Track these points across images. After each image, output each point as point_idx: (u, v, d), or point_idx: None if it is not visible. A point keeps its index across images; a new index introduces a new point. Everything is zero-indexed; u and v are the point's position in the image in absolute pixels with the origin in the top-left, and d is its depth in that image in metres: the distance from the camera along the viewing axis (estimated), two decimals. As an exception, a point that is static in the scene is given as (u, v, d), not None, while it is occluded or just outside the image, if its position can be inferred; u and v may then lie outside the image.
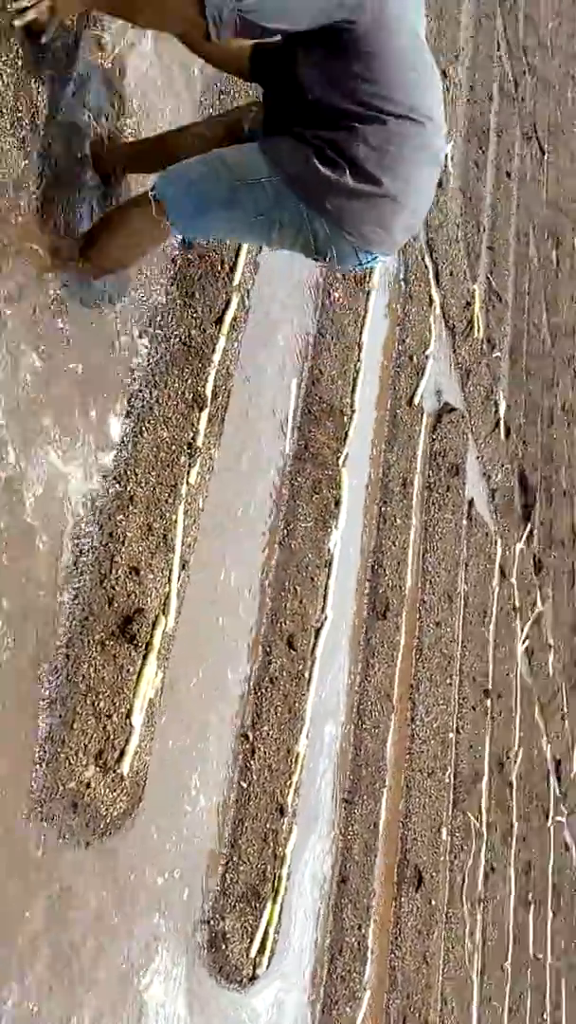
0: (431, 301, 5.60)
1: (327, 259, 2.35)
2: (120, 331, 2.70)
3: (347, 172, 2.16)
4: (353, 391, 4.25)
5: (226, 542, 3.31)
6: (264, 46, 2.34)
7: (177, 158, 2.36)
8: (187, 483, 2.91)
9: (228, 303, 3.21)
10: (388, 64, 2.13)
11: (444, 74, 6.32)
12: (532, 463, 8.88)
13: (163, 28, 2.39)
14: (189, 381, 2.93)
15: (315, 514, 3.85)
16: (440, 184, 5.77)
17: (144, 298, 2.83)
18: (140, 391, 2.77)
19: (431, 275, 5.70)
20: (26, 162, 2.24)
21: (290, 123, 2.22)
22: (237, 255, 3.30)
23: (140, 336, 2.80)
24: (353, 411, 4.23)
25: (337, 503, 4.02)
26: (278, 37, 2.16)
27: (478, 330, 6.64)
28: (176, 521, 2.86)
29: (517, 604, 7.66)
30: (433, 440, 5.69)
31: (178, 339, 2.92)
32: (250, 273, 3.43)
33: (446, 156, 6.14)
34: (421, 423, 5.34)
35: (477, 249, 7.08)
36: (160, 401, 2.82)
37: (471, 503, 6.38)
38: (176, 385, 2.90)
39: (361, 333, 4.39)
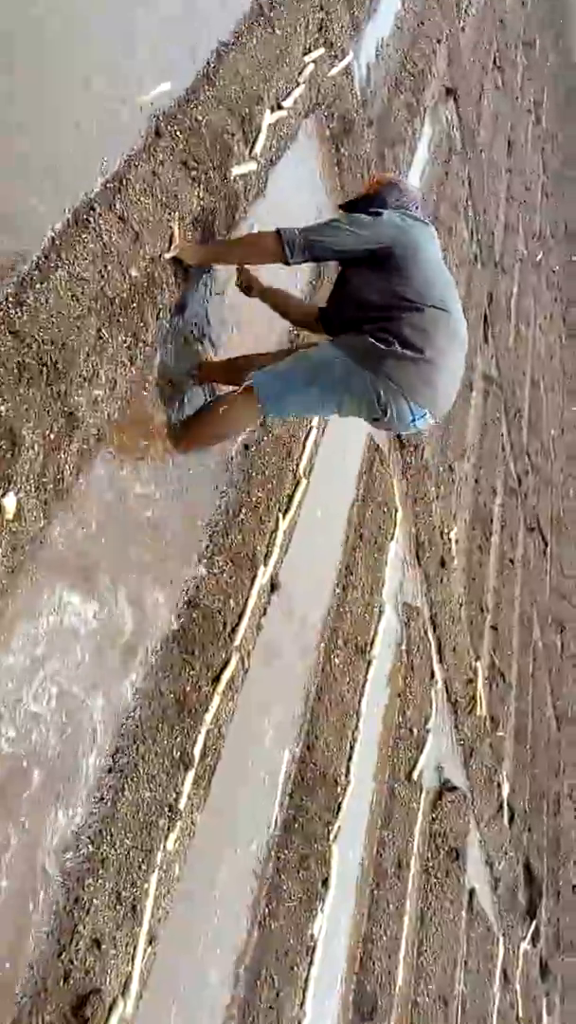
0: (433, 675, 5.62)
1: (387, 416, 2.97)
2: (111, 685, 2.69)
3: (397, 345, 2.89)
4: (349, 760, 4.14)
5: (200, 918, 3.06)
6: (326, 311, 3.24)
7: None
8: (164, 849, 2.75)
9: (227, 662, 3.22)
10: (417, 274, 2.98)
11: (451, 468, 6.82)
12: (538, 853, 8.44)
13: (254, 262, 3.24)
14: (178, 739, 2.87)
15: (300, 893, 3.60)
16: (443, 563, 6.01)
17: (145, 656, 2.86)
18: (127, 746, 2.70)
19: (433, 649, 5.77)
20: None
21: (348, 328, 3.03)
22: (241, 616, 3.36)
23: (135, 693, 2.79)
24: (348, 782, 4.09)
25: (325, 882, 3.77)
26: (335, 263, 3.11)
27: (481, 707, 6.60)
28: (148, 891, 2.67)
29: (520, 1014, 6.93)
30: (433, 820, 5.45)
31: (172, 696, 2.89)
32: (252, 634, 3.47)
33: (454, 538, 6.46)
34: (420, 800, 5.15)
35: (480, 628, 7.23)
36: (146, 758, 2.73)
37: (472, 893, 5.98)
38: (165, 743, 2.83)
39: (360, 701, 4.36)
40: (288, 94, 4.06)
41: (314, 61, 4.38)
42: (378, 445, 5.28)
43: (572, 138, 23.46)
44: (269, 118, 3.79)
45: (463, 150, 8.51)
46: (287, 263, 3.01)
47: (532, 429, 11.57)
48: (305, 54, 4.33)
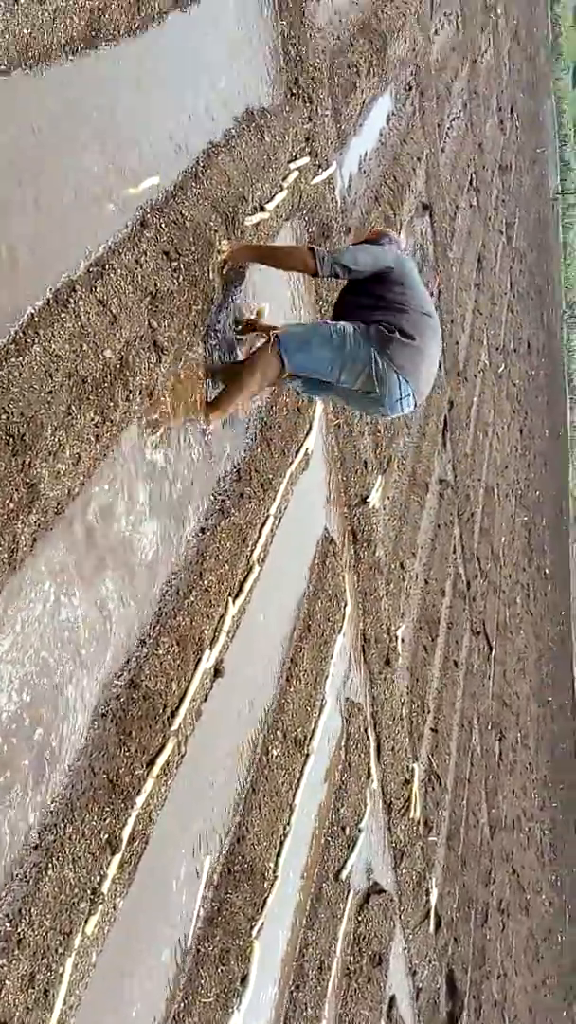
0: (370, 774, 5.60)
1: (379, 390, 3.77)
2: (43, 762, 2.67)
3: (397, 333, 3.77)
4: (278, 855, 4.10)
5: (113, 1009, 2.98)
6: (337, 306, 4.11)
7: None
8: (83, 933, 2.69)
9: (164, 746, 3.20)
10: (410, 288, 3.89)
11: (402, 566, 6.91)
12: (462, 964, 8.30)
13: (292, 269, 4.21)
14: (107, 821, 2.83)
15: (218, 988, 3.51)
16: (387, 661, 6.04)
17: (81, 734, 2.84)
18: (55, 824, 2.66)
19: (372, 747, 5.76)
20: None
21: (359, 317, 3.84)
22: (181, 700, 3.35)
23: (67, 770, 2.76)
24: (276, 877, 4.04)
25: (244, 979, 3.69)
26: (349, 278, 3.93)
27: (415, 810, 6.57)
28: (63, 976, 2.60)
29: None
30: (358, 922, 5.37)
31: (105, 776, 2.87)
32: (192, 719, 3.46)
33: (400, 637, 6.51)
34: (346, 901, 5.07)
35: (420, 729, 7.23)
36: (73, 838, 2.69)
37: (392, 1001, 5.86)
38: (94, 823, 2.79)
39: (294, 795, 4.33)
40: (271, 197, 4.23)
41: (299, 168, 4.57)
42: (332, 538, 5.35)
43: (540, 260, 24.38)
44: (252, 219, 3.94)
45: (435, 263, 8.83)
46: (316, 275, 3.90)
47: (484, 534, 11.76)
48: (291, 161, 4.52)
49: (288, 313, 4.74)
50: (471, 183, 11.94)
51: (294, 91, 4.76)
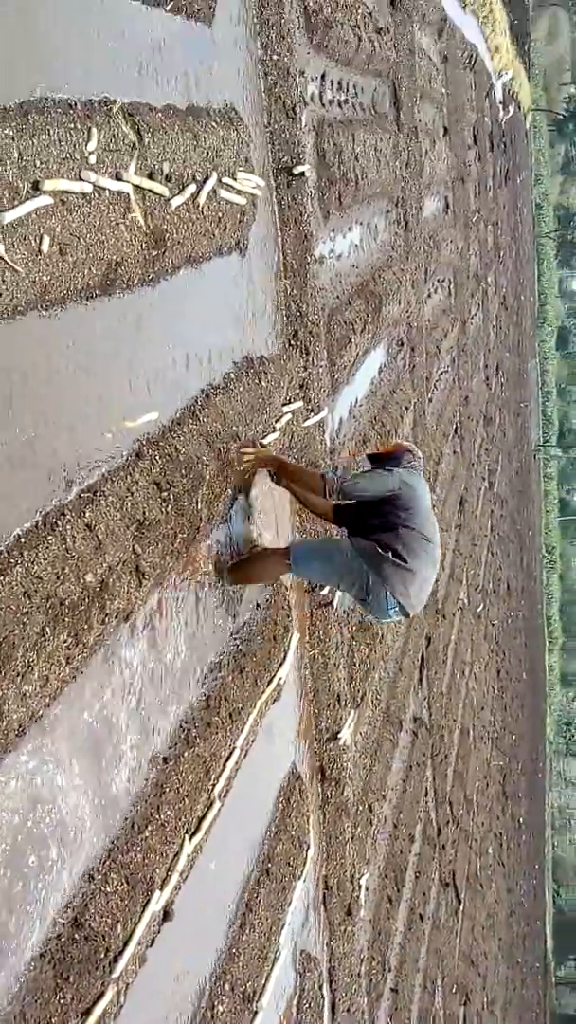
0: None
1: (369, 599, 4.10)
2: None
3: (390, 554, 4.05)
4: None
5: None
6: (340, 507, 4.34)
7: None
8: None
9: (102, 995, 2.99)
10: (415, 513, 4.15)
11: (370, 809, 6.69)
12: None
13: (303, 488, 4.40)
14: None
15: None
16: (349, 911, 5.73)
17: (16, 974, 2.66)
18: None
19: (326, 1007, 5.37)
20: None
21: (359, 529, 4.19)
22: (126, 944, 3.16)
23: (1, 1012, 2.57)
24: None
25: None
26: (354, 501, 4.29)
27: None
28: None
29: None
30: None
31: (35, 1026, 2.66)
32: (134, 966, 3.24)
33: (363, 885, 6.21)
34: None
35: (380, 988, 6.77)
36: None
37: None
38: None
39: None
40: (264, 436, 4.42)
41: (292, 412, 4.81)
42: (299, 775, 5.22)
43: (521, 506, 25.19)
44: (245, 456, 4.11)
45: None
46: (325, 497, 4.25)
47: (457, 778, 11.46)
48: (284, 405, 4.76)
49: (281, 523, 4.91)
50: (456, 431, 12.52)
51: (293, 343, 5.08)
